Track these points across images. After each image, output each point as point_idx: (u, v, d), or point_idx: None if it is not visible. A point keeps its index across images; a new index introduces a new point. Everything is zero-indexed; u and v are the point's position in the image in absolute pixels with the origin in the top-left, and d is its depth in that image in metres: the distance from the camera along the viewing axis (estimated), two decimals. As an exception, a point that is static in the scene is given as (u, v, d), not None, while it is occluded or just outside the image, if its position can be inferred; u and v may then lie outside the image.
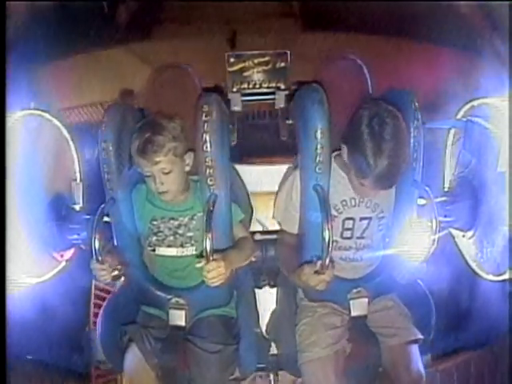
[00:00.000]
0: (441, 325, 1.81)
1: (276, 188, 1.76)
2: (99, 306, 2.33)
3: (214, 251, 1.46)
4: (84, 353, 2.20)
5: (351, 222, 1.62)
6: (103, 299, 2.34)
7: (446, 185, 1.95)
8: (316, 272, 1.45)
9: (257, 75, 2.02)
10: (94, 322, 2.29)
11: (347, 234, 1.64)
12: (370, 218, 1.62)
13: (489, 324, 2.07)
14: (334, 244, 1.56)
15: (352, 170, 1.51)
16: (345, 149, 1.51)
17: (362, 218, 1.62)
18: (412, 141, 1.57)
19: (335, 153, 1.60)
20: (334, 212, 1.58)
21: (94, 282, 2.34)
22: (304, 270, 1.48)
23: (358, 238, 1.64)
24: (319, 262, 1.45)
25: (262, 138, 2.37)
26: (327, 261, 1.44)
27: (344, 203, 1.61)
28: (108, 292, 2.35)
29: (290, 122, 1.80)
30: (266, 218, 2.11)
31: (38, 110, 1.80)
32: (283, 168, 1.81)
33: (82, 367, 2.15)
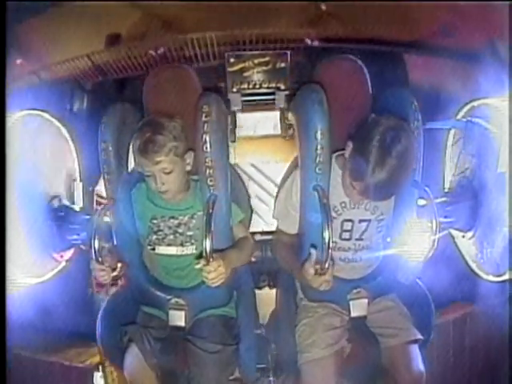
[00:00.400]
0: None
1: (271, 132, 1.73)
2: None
3: (214, 251, 1.46)
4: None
5: (350, 223, 1.62)
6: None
7: (446, 185, 1.96)
8: (317, 273, 1.46)
9: (257, 75, 2.02)
10: (97, 284, 2.23)
11: (346, 235, 1.64)
12: (369, 221, 1.62)
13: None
14: (333, 245, 1.56)
15: (348, 169, 1.50)
16: (350, 146, 1.50)
17: (360, 220, 1.62)
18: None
19: (336, 153, 1.60)
20: (332, 213, 1.57)
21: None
22: (306, 271, 1.48)
23: (356, 239, 1.64)
24: (314, 253, 1.44)
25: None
26: (327, 261, 1.44)
27: (343, 205, 1.61)
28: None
29: (290, 122, 1.79)
30: (261, 163, 2.12)
31: (37, 110, 1.80)
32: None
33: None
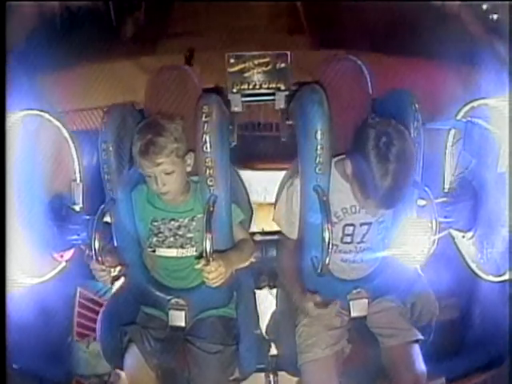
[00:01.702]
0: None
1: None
2: (84, 316, 2.32)
3: (214, 252, 1.46)
4: (65, 364, 2.17)
5: (351, 228, 1.62)
6: (88, 309, 2.32)
7: (446, 186, 1.95)
8: (316, 304, 1.48)
9: (257, 76, 2.01)
10: (78, 333, 2.27)
11: (347, 239, 1.64)
12: (370, 223, 1.62)
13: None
14: (334, 248, 1.56)
15: (356, 186, 1.50)
16: (348, 163, 1.50)
17: (362, 224, 1.62)
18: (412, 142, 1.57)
19: (336, 159, 1.60)
20: (334, 219, 1.57)
21: (78, 289, 2.30)
22: (306, 299, 1.54)
23: (358, 242, 1.64)
24: (327, 230, 1.45)
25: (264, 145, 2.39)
26: (327, 261, 1.44)
27: (344, 210, 1.61)
28: (94, 302, 2.33)
29: (290, 122, 1.79)
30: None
31: (37, 110, 1.80)
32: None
33: (63, 379, 2.12)
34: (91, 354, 2.22)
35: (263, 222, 2.04)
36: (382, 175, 1.38)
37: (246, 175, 1.91)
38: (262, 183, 2.27)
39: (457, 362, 1.99)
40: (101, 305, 2.28)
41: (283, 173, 1.83)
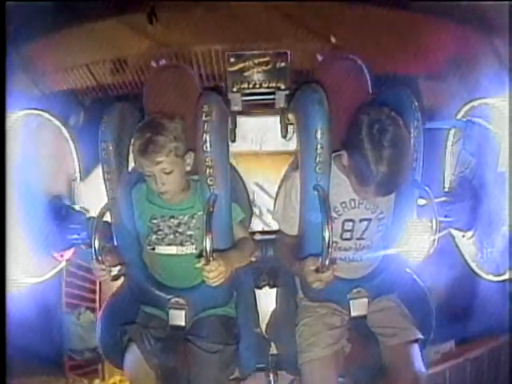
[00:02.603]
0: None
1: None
2: (72, 284, 2.22)
3: (214, 251, 1.46)
4: (56, 340, 2.06)
5: (351, 223, 1.62)
6: (76, 276, 2.21)
7: (446, 185, 1.96)
8: (316, 270, 1.45)
9: (257, 75, 2.02)
10: (67, 303, 2.15)
11: (347, 235, 1.64)
12: (369, 220, 1.62)
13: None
14: (334, 245, 1.56)
15: (353, 176, 1.51)
16: (345, 154, 1.51)
17: (361, 220, 1.62)
18: (412, 141, 1.57)
19: (334, 154, 1.60)
20: (333, 214, 1.57)
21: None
22: (306, 263, 1.48)
23: (357, 239, 1.64)
24: (321, 259, 1.45)
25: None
26: (327, 260, 1.44)
27: (344, 205, 1.61)
28: (81, 268, 2.20)
29: (291, 122, 1.79)
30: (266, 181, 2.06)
31: (37, 109, 1.80)
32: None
33: (55, 356, 2.03)
34: (83, 326, 2.11)
35: (259, 174, 2.00)
36: (377, 161, 1.39)
37: (242, 122, 1.88)
38: (259, 132, 2.18)
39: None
40: (89, 270, 2.19)
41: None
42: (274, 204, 1.73)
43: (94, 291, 2.63)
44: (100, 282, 2.53)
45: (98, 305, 2.52)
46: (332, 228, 1.46)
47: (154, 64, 2.49)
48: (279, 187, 1.73)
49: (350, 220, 1.62)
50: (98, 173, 1.65)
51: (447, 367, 2.30)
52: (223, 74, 2.09)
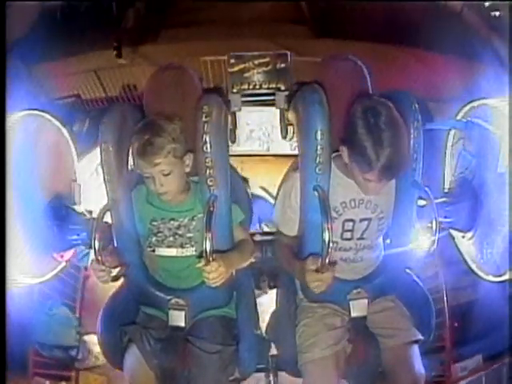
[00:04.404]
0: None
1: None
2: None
3: (214, 252, 1.46)
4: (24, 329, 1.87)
5: (351, 223, 1.62)
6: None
7: (446, 186, 1.96)
8: (317, 270, 1.45)
9: (257, 76, 2.01)
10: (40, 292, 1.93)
11: (347, 235, 1.64)
12: (369, 219, 1.62)
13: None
14: (334, 245, 1.56)
15: (355, 167, 1.50)
16: (344, 150, 1.51)
17: (361, 219, 1.62)
18: (412, 141, 1.57)
19: (334, 154, 1.60)
20: (333, 214, 1.57)
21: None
22: (306, 263, 1.48)
23: (358, 238, 1.64)
24: (321, 259, 1.44)
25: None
26: (327, 260, 1.44)
27: (344, 205, 1.61)
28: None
29: (291, 122, 1.79)
30: (271, 185, 2.02)
31: (37, 110, 1.80)
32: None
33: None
34: (54, 318, 1.95)
35: (266, 178, 1.96)
36: (376, 146, 1.41)
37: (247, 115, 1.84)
38: (267, 128, 2.12)
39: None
40: (78, 268, 2.07)
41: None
42: (274, 205, 1.73)
43: (76, 290, 2.46)
44: (84, 282, 2.48)
45: (78, 304, 2.39)
46: (332, 229, 1.46)
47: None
48: (279, 188, 1.73)
49: (351, 220, 1.62)
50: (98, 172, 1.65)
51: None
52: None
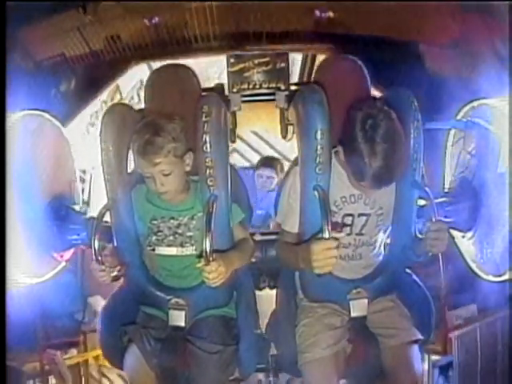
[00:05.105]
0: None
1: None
2: None
3: (214, 252, 1.46)
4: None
5: (350, 218, 1.63)
6: None
7: (446, 185, 1.96)
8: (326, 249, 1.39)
9: (257, 76, 2.02)
10: None
11: (346, 230, 1.64)
12: (368, 215, 1.62)
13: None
14: None
15: (349, 170, 1.53)
16: (341, 150, 1.53)
17: (360, 214, 1.62)
18: (412, 141, 1.57)
19: (335, 149, 1.60)
20: (333, 208, 1.58)
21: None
22: (313, 246, 1.41)
23: (356, 234, 1.64)
24: (326, 230, 1.39)
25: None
26: (329, 227, 1.43)
27: (344, 199, 1.61)
28: None
29: (291, 122, 1.79)
30: (265, 131, 2.04)
31: (37, 110, 1.80)
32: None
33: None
34: (60, 285, 1.90)
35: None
36: (370, 156, 1.42)
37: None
38: None
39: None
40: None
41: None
42: (277, 204, 1.73)
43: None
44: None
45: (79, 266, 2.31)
46: (331, 228, 1.45)
47: (146, 22, 2.51)
48: (281, 185, 1.73)
49: (350, 215, 1.63)
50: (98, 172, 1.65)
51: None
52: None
